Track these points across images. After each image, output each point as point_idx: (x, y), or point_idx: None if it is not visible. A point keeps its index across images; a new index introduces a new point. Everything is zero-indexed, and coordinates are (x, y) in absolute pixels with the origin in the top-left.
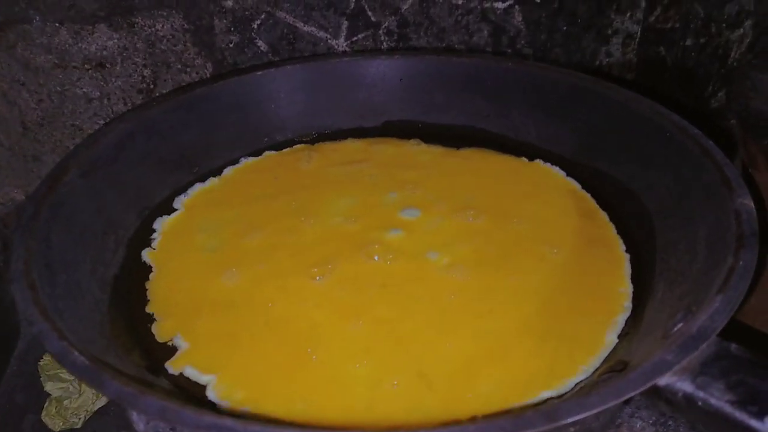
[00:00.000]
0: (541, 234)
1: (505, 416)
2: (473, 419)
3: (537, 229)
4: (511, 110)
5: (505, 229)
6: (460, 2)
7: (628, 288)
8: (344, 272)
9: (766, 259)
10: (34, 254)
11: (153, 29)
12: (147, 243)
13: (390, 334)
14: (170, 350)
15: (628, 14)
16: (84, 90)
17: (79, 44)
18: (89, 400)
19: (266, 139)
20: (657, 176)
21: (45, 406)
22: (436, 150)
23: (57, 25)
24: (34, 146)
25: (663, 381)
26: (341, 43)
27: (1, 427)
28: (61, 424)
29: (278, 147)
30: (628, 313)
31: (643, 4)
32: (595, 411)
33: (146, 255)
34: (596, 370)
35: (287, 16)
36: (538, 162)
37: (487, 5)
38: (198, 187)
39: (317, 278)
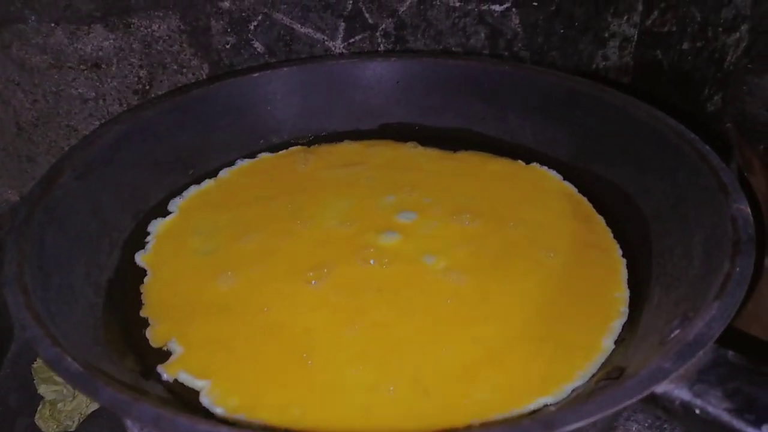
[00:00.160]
0: (538, 238)
1: (502, 425)
2: (469, 428)
3: (533, 233)
4: (508, 113)
5: (501, 232)
6: (457, 5)
7: (624, 293)
8: (340, 276)
9: (763, 264)
10: (28, 257)
11: (149, 30)
12: (141, 246)
13: (386, 340)
14: (164, 355)
15: (625, 17)
16: (79, 90)
17: (75, 44)
18: (83, 403)
19: (262, 141)
20: (653, 180)
21: (38, 409)
22: (433, 153)
23: (53, 25)
24: (29, 147)
25: (660, 389)
26: (338, 45)
27: None
28: (55, 427)
29: (274, 149)
30: (624, 319)
31: (640, 8)
32: (592, 420)
33: (140, 258)
34: (593, 375)
35: (284, 18)
36: (535, 165)
37: (485, 8)
38: (193, 190)
39: (313, 282)
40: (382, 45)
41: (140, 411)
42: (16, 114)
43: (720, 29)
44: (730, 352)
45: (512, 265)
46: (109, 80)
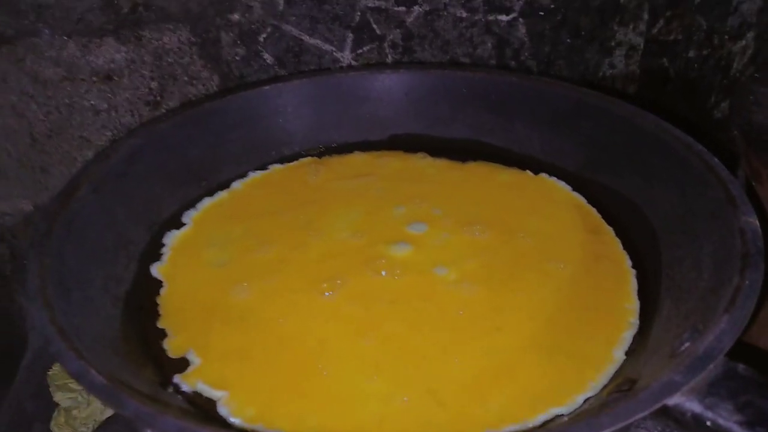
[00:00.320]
0: (548, 249)
1: None
2: None
3: (543, 245)
4: (516, 124)
5: (511, 244)
6: (464, 15)
7: (634, 304)
8: (353, 288)
9: None
10: (49, 271)
11: (160, 42)
12: (157, 258)
13: (400, 350)
14: (182, 365)
15: (631, 26)
16: (92, 102)
17: (87, 57)
18: (98, 410)
19: (273, 153)
20: (661, 192)
21: (54, 415)
22: (442, 163)
23: (65, 38)
24: (42, 157)
25: (672, 401)
26: (346, 56)
27: None
28: None
29: (285, 160)
30: (634, 330)
31: (646, 17)
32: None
33: (156, 270)
34: (604, 386)
35: (293, 29)
36: (543, 176)
37: (491, 18)
38: (206, 202)
39: (326, 294)
40: (389, 56)
41: (165, 423)
42: (30, 125)
43: (726, 37)
44: (741, 366)
45: (523, 277)
46: (120, 92)
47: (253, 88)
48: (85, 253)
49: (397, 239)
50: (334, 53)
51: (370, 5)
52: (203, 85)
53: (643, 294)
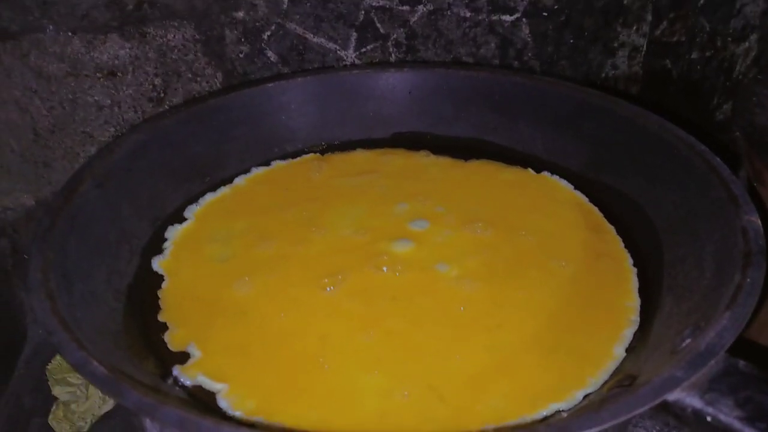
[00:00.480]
0: (549, 247)
1: (516, 430)
2: None
3: (545, 242)
4: (519, 123)
5: (513, 241)
6: (468, 15)
7: (635, 302)
8: (354, 284)
9: None
10: (52, 264)
11: (164, 39)
12: (159, 252)
13: (400, 346)
14: (183, 358)
15: (635, 27)
16: (95, 98)
17: (92, 53)
18: (96, 404)
19: (276, 150)
20: (664, 191)
21: (52, 409)
22: (445, 162)
23: (70, 34)
24: (45, 152)
25: (672, 396)
26: (350, 55)
27: (8, 431)
28: (68, 427)
29: (288, 157)
30: (635, 327)
31: (650, 18)
32: (605, 426)
33: (158, 264)
34: (605, 383)
35: (297, 28)
36: (545, 174)
37: (495, 18)
38: (209, 197)
39: (328, 289)
40: (393, 55)
41: (165, 414)
42: (34, 120)
43: (729, 39)
44: (741, 362)
45: (524, 274)
46: (124, 88)
47: (257, 86)
48: (88, 247)
49: (399, 236)
50: (338, 52)
51: (374, 4)
52: (207, 82)
53: (644, 292)
